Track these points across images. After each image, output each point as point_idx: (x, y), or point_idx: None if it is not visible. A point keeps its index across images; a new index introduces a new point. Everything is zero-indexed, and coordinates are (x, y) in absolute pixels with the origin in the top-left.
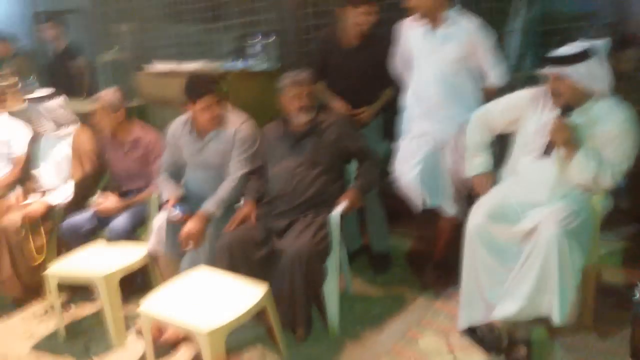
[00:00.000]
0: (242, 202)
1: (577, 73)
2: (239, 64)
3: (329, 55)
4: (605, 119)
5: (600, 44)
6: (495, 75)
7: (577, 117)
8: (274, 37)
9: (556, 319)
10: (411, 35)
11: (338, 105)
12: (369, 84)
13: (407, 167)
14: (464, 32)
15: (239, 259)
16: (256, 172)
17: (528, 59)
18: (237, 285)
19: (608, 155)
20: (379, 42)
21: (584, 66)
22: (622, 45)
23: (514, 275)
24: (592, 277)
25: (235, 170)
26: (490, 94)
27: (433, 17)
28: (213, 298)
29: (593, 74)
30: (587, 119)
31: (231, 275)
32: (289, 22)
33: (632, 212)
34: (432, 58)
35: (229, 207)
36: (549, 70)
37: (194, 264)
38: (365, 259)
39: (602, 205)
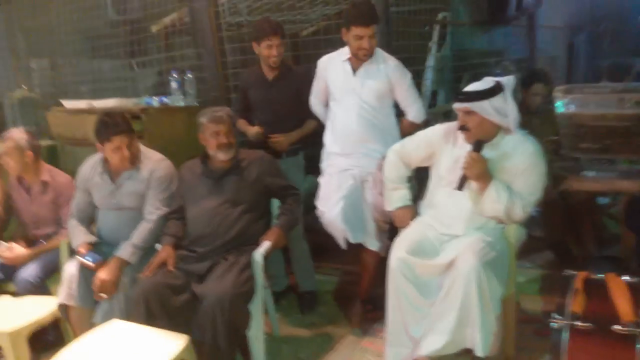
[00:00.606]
0: (159, 245)
1: (485, 108)
2: (157, 100)
3: (250, 89)
4: (514, 153)
5: (507, 80)
6: (413, 111)
7: (487, 152)
8: (193, 73)
9: (479, 351)
10: (331, 71)
11: (251, 130)
12: (287, 116)
13: (330, 204)
14: (384, 70)
15: (156, 308)
16: (174, 214)
17: (441, 95)
18: (154, 338)
19: (518, 187)
20: (295, 75)
21: (492, 102)
22: (530, 80)
23: (436, 309)
24: (511, 306)
25: (152, 212)
26: (409, 130)
27: (370, 54)
28: (128, 354)
29: (500, 109)
30: (497, 153)
31: (148, 326)
32: (208, 58)
33: (546, 240)
34: (353, 95)
35: (146, 252)
36: (459, 106)
37: (107, 315)
38: (292, 298)
39: (517, 236)
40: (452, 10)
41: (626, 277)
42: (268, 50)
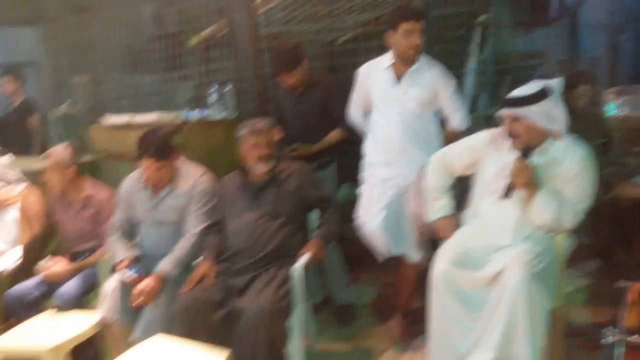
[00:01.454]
0: (199, 259)
1: (533, 114)
2: (196, 114)
3: (280, 102)
4: (563, 159)
5: (555, 83)
6: (457, 119)
7: (536, 158)
8: (232, 85)
9: None
10: (373, 79)
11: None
12: (314, 129)
13: (371, 214)
14: (428, 77)
15: (197, 322)
16: (215, 227)
17: (483, 100)
18: (195, 353)
19: (568, 194)
20: (321, 87)
21: (540, 106)
22: (574, 82)
23: (482, 324)
24: (560, 319)
25: (193, 227)
26: (452, 138)
27: (409, 62)
28: None
29: (549, 114)
30: (546, 159)
31: (188, 341)
32: (246, 70)
33: (594, 248)
34: (396, 103)
35: (187, 266)
36: (505, 112)
37: (147, 331)
38: (328, 312)
39: (566, 245)
40: (493, 12)
41: None
42: (298, 78)
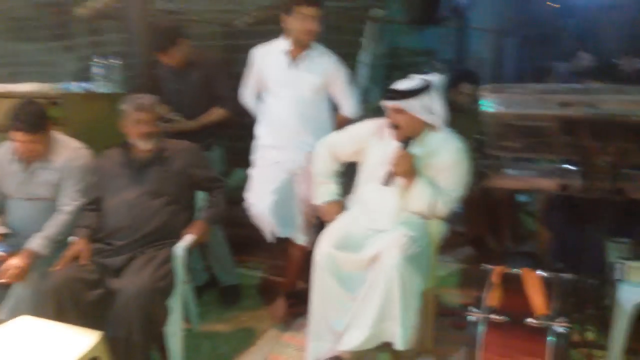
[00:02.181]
0: (73, 238)
1: (414, 106)
2: (79, 86)
3: (161, 80)
4: (440, 150)
5: (436, 79)
6: (348, 106)
7: (414, 149)
8: (119, 60)
9: (399, 344)
10: (267, 63)
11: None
12: (196, 108)
13: (260, 197)
14: (322, 64)
15: (68, 303)
16: (90, 205)
17: (374, 92)
18: (64, 335)
19: (442, 183)
20: (204, 66)
21: (420, 100)
22: (458, 79)
23: (358, 303)
24: (431, 300)
25: (67, 204)
26: (343, 124)
27: (303, 46)
28: (35, 352)
29: (428, 107)
30: (424, 150)
31: (58, 323)
32: (136, 45)
33: (467, 236)
34: (289, 87)
35: (59, 245)
36: (388, 104)
37: (14, 311)
38: (214, 293)
39: (439, 231)
40: (386, 8)
41: (540, 272)
42: (168, 58)
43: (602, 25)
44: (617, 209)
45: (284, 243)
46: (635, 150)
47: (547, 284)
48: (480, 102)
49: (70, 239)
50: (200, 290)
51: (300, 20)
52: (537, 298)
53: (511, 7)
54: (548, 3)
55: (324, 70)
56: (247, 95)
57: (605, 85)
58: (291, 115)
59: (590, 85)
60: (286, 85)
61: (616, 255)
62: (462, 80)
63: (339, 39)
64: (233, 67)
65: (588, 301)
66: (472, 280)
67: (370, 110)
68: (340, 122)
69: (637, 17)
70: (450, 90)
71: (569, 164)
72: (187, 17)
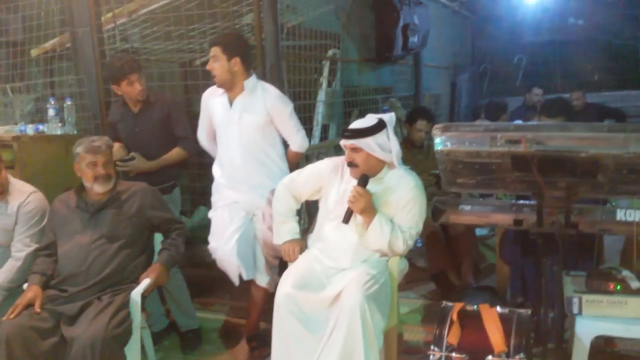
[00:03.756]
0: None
1: (369, 145)
2: (32, 128)
3: (118, 123)
4: (397, 187)
5: (388, 117)
6: (295, 142)
7: (372, 186)
8: (72, 101)
9: None
10: (212, 104)
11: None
12: (155, 148)
13: (223, 239)
14: (262, 100)
15: (20, 353)
16: (44, 250)
17: (333, 129)
18: None
19: (400, 220)
20: (161, 106)
21: (376, 139)
22: (414, 117)
23: (322, 344)
24: (394, 338)
25: (19, 250)
26: (294, 160)
27: (229, 86)
28: None
29: (384, 145)
30: (382, 187)
31: None
32: (90, 85)
33: (428, 271)
34: (233, 127)
35: (11, 292)
36: (345, 142)
37: None
38: (174, 337)
39: (399, 268)
40: (342, 48)
41: (498, 308)
42: (130, 88)
43: (554, 62)
44: (572, 243)
45: (246, 284)
46: (585, 184)
47: (506, 319)
48: (432, 141)
49: (24, 286)
50: (159, 336)
51: (209, 63)
52: (495, 335)
53: (465, 44)
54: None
55: (264, 106)
56: (202, 137)
57: (552, 123)
58: (237, 156)
59: (537, 123)
60: (229, 127)
61: (573, 289)
62: (417, 118)
63: (297, 78)
64: (192, 107)
65: (546, 336)
66: (434, 316)
67: (330, 147)
68: (291, 158)
69: (587, 53)
70: (407, 127)
71: (523, 199)
72: (146, 56)
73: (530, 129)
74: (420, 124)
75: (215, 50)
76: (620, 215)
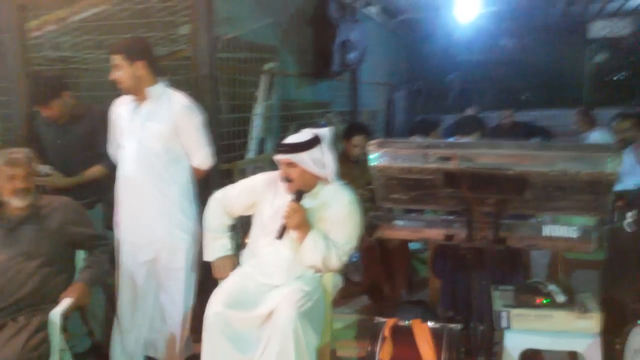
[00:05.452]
0: None
1: (304, 160)
2: None
3: (41, 134)
4: (332, 203)
5: (324, 132)
6: (198, 157)
7: (307, 201)
8: None
9: None
10: (119, 114)
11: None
12: (79, 162)
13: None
14: (167, 109)
15: None
16: None
17: (269, 143)
18: None
19: (335, 236)
20: (86, 119)
21: (311, 154)
22: (351, 132)
23: None
24: (326, 356)
25: None
26: (198, 177)
27: (136, 93)
28: None
29: (319, 160)
30: (317, 202)
31: None
32: (14, 94)
33: (362, 285)
34: (135, 137)
35: None
36: (279, 157)
37: None
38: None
39: (333, 284)
40: (280, 62)
41: (429, 323)
42: (57, 110)
43: (486, 80)
44: (500, 258)
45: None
46: (513, 201)
47: (437, 334)
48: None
49: None
50: (82, 358)
51: (112, 72)
52: (426, 350)
53: (400, 61)
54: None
55: (169, 116)
56: (112, 150)
57: (481, 140)
58: (135, 166)
59: (467, 141)
60: (130, 137)
61: (501, 303)
62: (354, 133)
63: (234, 91)
64: None
65: (477, 349)
66: (367, 332)
67: (266, 161)
68: (196, 174)
69: (518, 73)
70: (344, 143)
71: (454, 215)
72: (76, 65)
73: (461, 146)
74: (357, 139)
75: (117, 59)
76: (546, 230)
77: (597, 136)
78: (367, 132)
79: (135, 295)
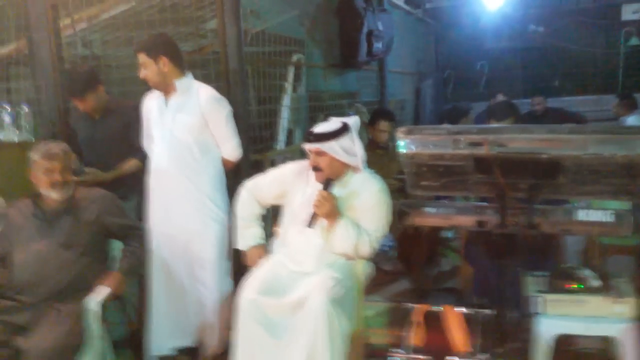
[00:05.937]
0: None
1: (334, 148)
2: None
3: (78, 129)
4: (361, 191)
5: (352, 120)
6: (228, 149)
7: (337, 190)
8: (29, 107)
9: None
10: (150, 108)
11: None
12: (114, 157)
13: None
14: (195, 101)
15: None
16: None
17: (298, 133)
18: None
19: (365, 224)
20: (121, 113)
21: (340, 142)
22: (376, 118)
23: (286, 349)
24: (359, 342)
25: None
26: (227, 168)
27: (165, 88)
28: None
29: (348, 149)
30: (346, 191)
31: None
32: (48, 92)
33: (401, 273)
34: (165, 131)
35: None
36: (309, 147)
37: None
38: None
39: (365, 271)
40: (307, 53)
41: (461, 309)
42: (92, 103)
43: (516, 68)
44: (533, 244)
45: None
46: (546, 186)
47: (468, 320)
48: (397, 143)
49: None
50: (119, 345)
51: (140, 71)
52: (458, 335)
53: (428, 50)
54: None
55: (198, 108)
56: (145, 144)
57: (513, 125)
58: (167, 158)
59: (498, 126)
60: (162, 130)
61: (534, 289)
62: (379, 119)
63: (262, 83)
64: None
65: (509, 335)
66: (400, 319)
67: (295, 152)
68: (226, 166)
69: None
70: (369, 130)
71: (485, 201)
72: (106, 62)
73: (492, 131)
74: (382, 124)
75: (141, 57)
76: (581, 215)
77: (634, 120)
78: (392, 117)
79: (168, 285)
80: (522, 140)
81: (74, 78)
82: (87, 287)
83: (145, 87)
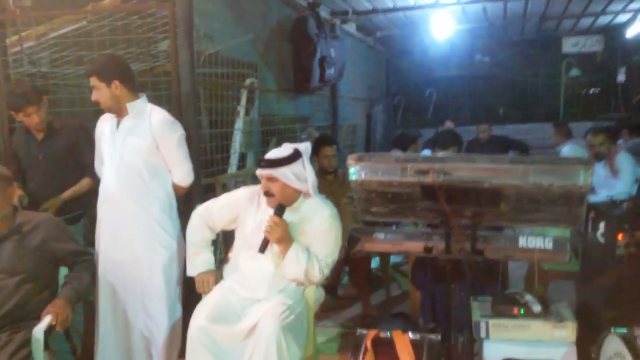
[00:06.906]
0: None
1: (285, 174)
2: None
3: (20, 151)
4: (313, 216)
5: (304, 146)
6: (178, 173)
7: (289, 215)
8: None
9: None
10: (102, 129)
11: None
12: (61, 177)
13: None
14: (147, 124)
15: None
16: None
17: (250, 157)
18: None
19: (316, 249)
20: (67, 133)
21: (291, 168)
22: (318, 147)
23: None
24: None
25: None
26: (178, 192)
27: (118, 111)
28: None
29: (300, 174)
30: (298, 216)
31: None
32: None
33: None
34: (116, 152)
35: None
36: (261, 172)
37: None
38: None
39: (315, 297)
40: (260, 77)
41: (410, 334)
42: (29, 119)
43: (463, 95)
44: (478, 269)
45: None
46: (489, 213)
47: (417, 345)
48: (348, 171)
49: None
50: None
51: (92, 94)
52: None
53: (379, 77)
54: None
55: (149, 132)
56: (97, 166)
57: (458, 154)
58: (112, 183)
59: (444, 155)
60: (112, 152)
61: (479, 313)
62: (322, 145)
63: (215, 106)
64: None
65: None
66: (349, 345)
67: (248, 176)
68: (176, 191)
69: (493, 88)
70: (314, 158)
71: (432, 227)
72: (55, 81)
73: (438, 160)
74: (326, 150)
75: (93, 80)
76: (521, 242)
77: (567, 150)
78: (332, 141)
79: (115, 313)
80: (466, 169)
81: (16, 92)
82: (32, 315)
83: (93, 107)
